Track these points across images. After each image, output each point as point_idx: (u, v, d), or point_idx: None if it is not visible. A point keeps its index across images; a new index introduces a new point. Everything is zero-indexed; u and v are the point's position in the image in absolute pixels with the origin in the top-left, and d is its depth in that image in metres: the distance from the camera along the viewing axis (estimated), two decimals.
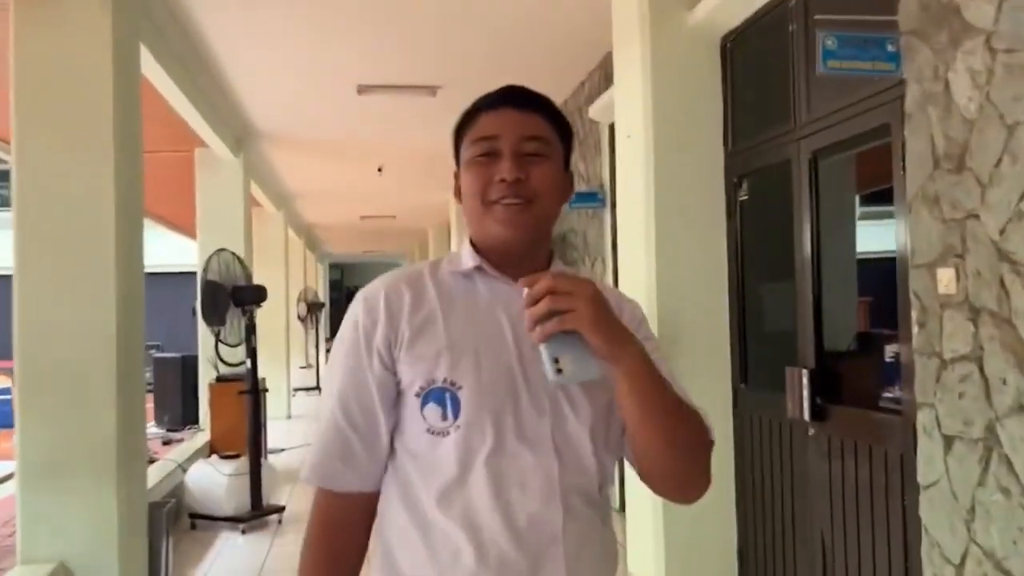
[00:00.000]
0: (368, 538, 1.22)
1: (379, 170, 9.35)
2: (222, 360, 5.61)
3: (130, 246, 3.66)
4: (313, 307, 15.56)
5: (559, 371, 1.01)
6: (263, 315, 11.65)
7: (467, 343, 1.16)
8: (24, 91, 3.46)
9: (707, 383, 3.80)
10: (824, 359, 3.15)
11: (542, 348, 1.01)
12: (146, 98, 5.92)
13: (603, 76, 5.62)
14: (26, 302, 3.40)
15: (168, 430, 7.30)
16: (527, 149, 1.20)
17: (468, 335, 1.17)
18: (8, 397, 12.17)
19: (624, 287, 4.19)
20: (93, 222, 3.46)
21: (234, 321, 5.57)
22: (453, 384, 1.13)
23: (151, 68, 4.72)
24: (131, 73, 3.84)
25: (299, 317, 14.87)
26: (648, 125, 3.80)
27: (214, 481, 5.40)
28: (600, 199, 5.68)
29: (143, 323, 3.85)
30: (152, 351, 17.79)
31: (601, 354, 1.03)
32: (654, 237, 3.79)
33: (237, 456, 5.66)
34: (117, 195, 3.51)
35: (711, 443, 1.18)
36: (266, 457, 7.35)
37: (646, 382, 1.06)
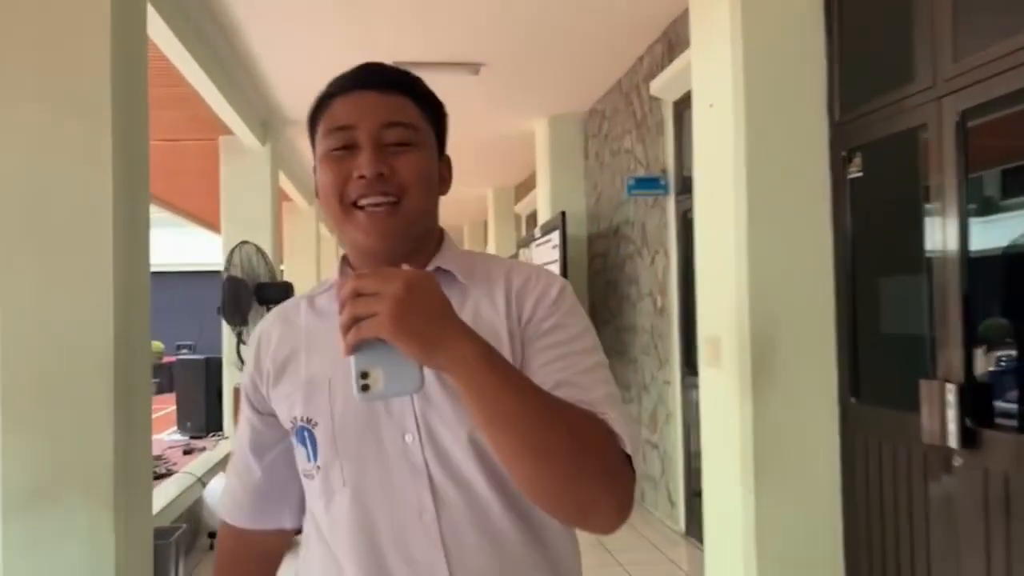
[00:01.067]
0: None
1: None
2: (243, 363, 5.10)
3: (133, 235, 3.14)
4: None
5: (364, 387, 0.86)
6: None
7: (324, 374, 1.05)
8: None
9: (808, 395, 3.20)
10: (972, 371, 2.53)
11: (351, 361, 0.86)
12: (167, 81, 5.47)
13: (666, 48, 5.03)
14: (7, 302, 2.89)
15: (191, 437, 6.83)
16: (389, 138, 1.03)
17: (326, 365, 1.05)
18: None
19: (705, 285, 3.59)
20: (86, 206, 2.94)
21: (257, 321, 5.05)
22: (309, 421, 1.05)
23: (165, 40, 4.23)
24: (135, 30, 3.32)
25: None
26: (737, 91, 3.21)
27: None
28: (663, 185, 5.09)
29: (148, 324, 3.33)
30: (184, 351, 17.56)
31: (416, 361, 0.86)
32: (744, 225, 3.20)
33: None
34: (116, 174, 2.99)
35: (619, 456, 0.94)
36: None
37: (482, 385, 0.86)
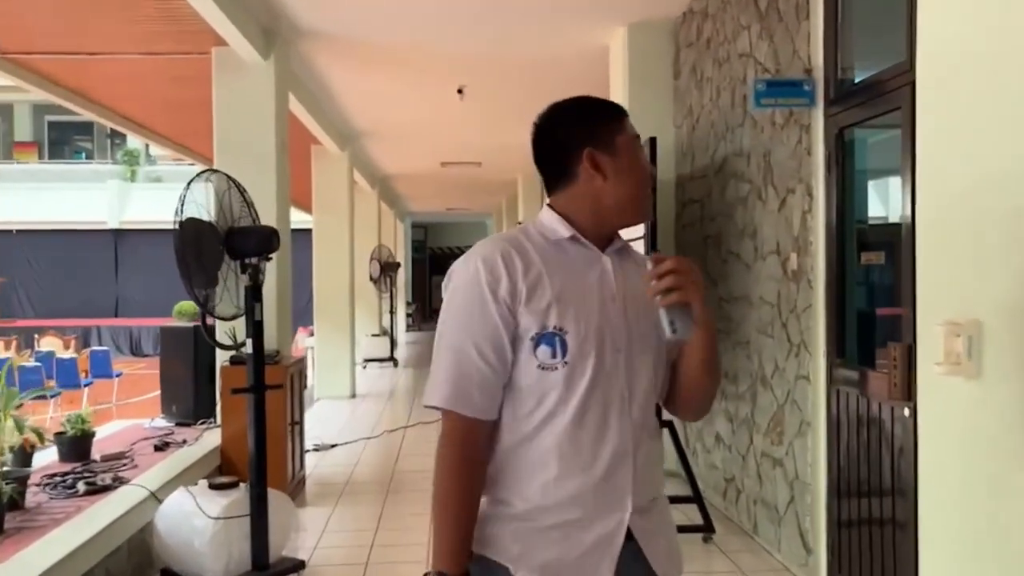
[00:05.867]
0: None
1: (459, 92, 7.33)
2: (210, 339, 3.72)
3: None
4: (387, 267, 13.74)
5: (674, 330, 1.37)
6: (321, 275, 9.94)
7: (569, 297, 1.44)
8: None
9: None
10: None
11: (662, 311, 1.37)
12: None
13: None
14: None
15: (177, 424, 5.53)
16: None
17: (569, 290, 1.44)
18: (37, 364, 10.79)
19: (937, 235, 2.05)
20: None
21: (229, 281, 3.65)
22: (561, 330, 1.42)
23: None
24: None
25: (371, 278, 13.09)
26: None
27: (192, 527, 3.51)
28: (807, 91, 3.50)
29: None
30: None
31: (699, 321, 1.39)
32: None
33: (235, 484, 3.76)
34: None
35: None
36: (301, 466, 5.50)
37: (714, 335, 1.50)
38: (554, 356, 1.40)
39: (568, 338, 1.41)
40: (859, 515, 3.27)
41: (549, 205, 1.53)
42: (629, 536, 1.43)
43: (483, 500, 1.46)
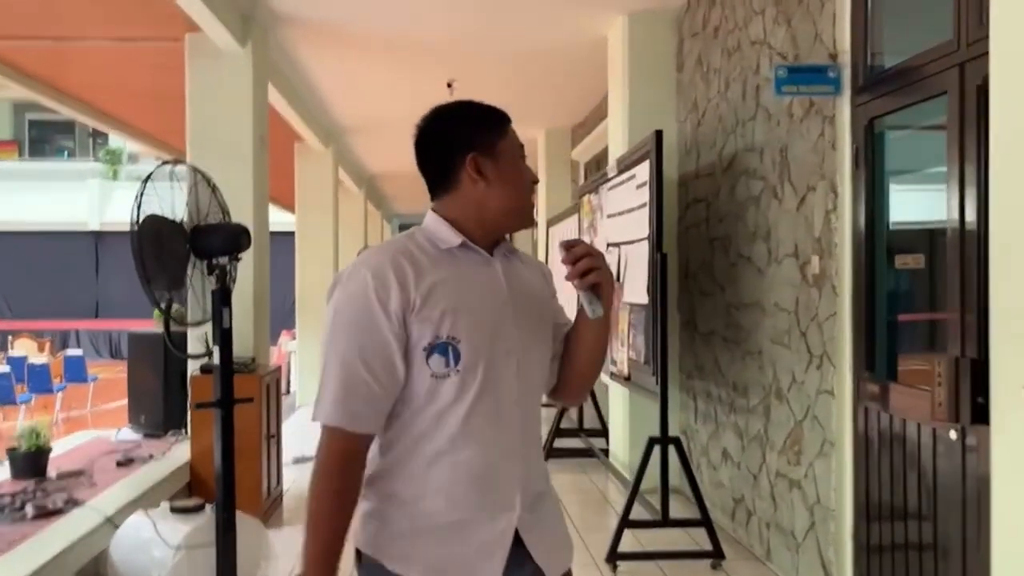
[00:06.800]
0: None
1: (449, 86, 6.99)
2: (173, 345, 3.37)
3: None
4: None
5: (593, 309, 1.46)
6: (304, 276, 9.59)
7: (462, 305, 1.44)
8: None
9: None
10: None
11: (581, 293, 1.46)
12: None
13: None
14: None
15: (146, 435, 5.16)
16: None
17: (462, 298, 1.44)
18: (6, 370, 10.37)
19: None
20: None
21: (196, 284, 3.30)
22: (454, 339, 1.42)
23: None
24: None
25: None
26: None
27: (151, 558, 3.17)
28: (832, 79, 3.18)
29: None
30: None
31: (606, 303, 1.47)
32: None
33: (200, 507, 3.41)
34: None
35: None
36: (278, 482, 5.14)
37: (609, 322, 1.54)
38: (447, 365, 1.42)
39: (461, 347, 1.42)
40: (892, 544, 2.96)
41: (434, 210, 1.52)
42: (518, 540, 1.45)
43: (373, 495, 1.46)
